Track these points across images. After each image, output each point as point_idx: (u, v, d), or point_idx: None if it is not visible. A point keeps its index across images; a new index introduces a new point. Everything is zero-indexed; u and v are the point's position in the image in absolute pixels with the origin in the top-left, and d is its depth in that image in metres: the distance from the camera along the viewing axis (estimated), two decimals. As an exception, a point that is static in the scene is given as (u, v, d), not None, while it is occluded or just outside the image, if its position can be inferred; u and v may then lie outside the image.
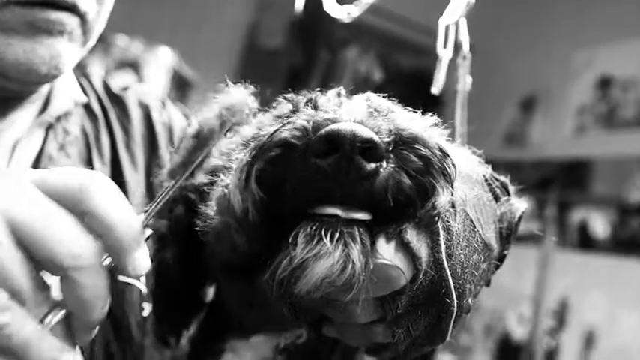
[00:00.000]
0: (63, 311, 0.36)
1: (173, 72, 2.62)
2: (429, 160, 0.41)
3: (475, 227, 0.46)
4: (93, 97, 0.75)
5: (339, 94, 0.50)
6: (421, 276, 0.41)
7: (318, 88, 0.51)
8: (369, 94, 0.50)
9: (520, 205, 0.53)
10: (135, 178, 0.72)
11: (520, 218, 0.53)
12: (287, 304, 0.41)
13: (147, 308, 0.65)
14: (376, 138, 0.39)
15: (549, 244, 2.77)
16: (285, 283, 0.39)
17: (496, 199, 0.52)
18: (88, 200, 0.37)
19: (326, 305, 0.42)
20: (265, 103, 0.57)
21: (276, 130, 0.41)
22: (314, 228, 0.39)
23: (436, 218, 0.41)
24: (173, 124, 0.80)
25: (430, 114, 0.47)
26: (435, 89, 0.67)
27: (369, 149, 0.39)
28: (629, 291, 2.39)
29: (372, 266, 0.39)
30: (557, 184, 2.89)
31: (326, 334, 0.47)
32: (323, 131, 0.39)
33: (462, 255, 0.44)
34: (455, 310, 0.43)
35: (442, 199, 0.40)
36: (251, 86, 0.53)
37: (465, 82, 0.67)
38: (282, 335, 0.53)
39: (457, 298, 0.43)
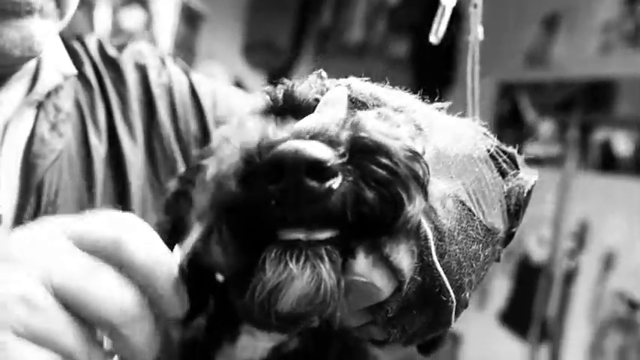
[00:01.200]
0: (114, 358, 0.37)
1: (182, 6, 2.55)
2: (391, 168, 0.38)
3: (474, 216, 0.45)
4: (87, 63, 0.72)
5: (320, 77, 0.48)
6: (406, 286, 0.40)
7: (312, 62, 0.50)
8: (352, 79, 0.48)
9: (530, 177, 0.51)
10: (133, 150, 0.70)
11: (530, 192, 0.50)
12: (273, 323, 0.41)
13: None
14: (323, 156, 0.37)
15: (571, 167, 2.75)
16: (265, 305, 0.39)
17: (503, 174, 0.50)
18: (123, 252, 0.37)
19: (312, 317, 0.42)
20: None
21: (230, 154, 0.40)
22: (279, 253, 0.38)
23: (414, 226, 0.39)
24: (173, 84, 0.77)
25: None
26: (434, 38, 0.63)
27: (318, 169, 0.37)
28: (650, 213, 2.39)
29: (344, 283, 0.38)
30: (580, 105, 2.82)
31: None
32: (268, 155, 0.38)
33: (457, 250, 0.42)
34: (453, 305, 0.42)
35: (414, 209, 0.39)
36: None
37: (477, 32, 0.63)
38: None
39: (454, 293, 0.42)
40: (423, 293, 0.41)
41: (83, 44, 0.74)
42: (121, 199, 0.68)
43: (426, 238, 0.40)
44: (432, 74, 2.92)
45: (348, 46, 3.21)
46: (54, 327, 0.35)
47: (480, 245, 0.45)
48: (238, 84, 2.89)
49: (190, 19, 2.61)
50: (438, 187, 0.42)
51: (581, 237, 2.69)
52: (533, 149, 2.90)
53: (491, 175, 0.48)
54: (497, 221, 0.47)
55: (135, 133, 0.71)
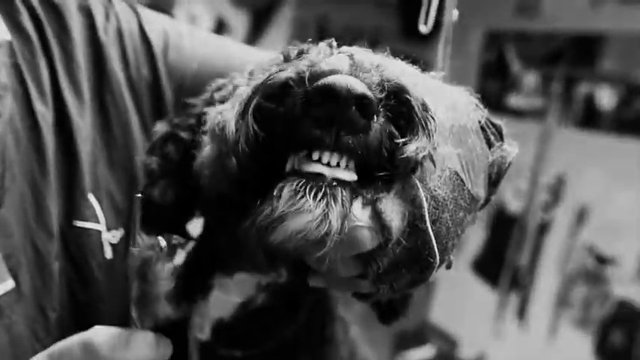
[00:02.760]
0: None
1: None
2: (414, 114, 0.42)
3: (464, 185, 0.47)
4: (24, 12, 0.64)
5: (330, 46, 0.50)
6: (393, 245, 0.42)
7: (310, 40, 0.51)
8: (355, 48, 0.49)
9: (512, 149, 0.54)
10: (80, 111, 0.65)
11: (510, 163, 0.54)
12: (262, 251, 0.43)
13: (109, 251, 0.65)
14: (370, 94, 0.40)
15: (552, 120, 2.76)
16: (262, 232, 0.41)
17: (489, 145, 0.53)
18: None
19: (300, 257, 0.45)
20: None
21: (279, 70, 0.43)
22: (299, 184, 0.40)
23: (410, 167, 0.42)
24: (122, 26, 0.71)
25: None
26: (424, 28, 0.62)
27: (362, 104, 0.40)
28: (627, 170, 2.42)
29: (345, 232, 0.41)
30: (566, 58, 2.80)
31: (312, 284, 0.50)
32: (320, 82, 0.40)
33: (447, 217, 0.45)
34: (437, 265, 0.45)
35: (413, 146, 0.42)
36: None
37: (451, 15, 0.63)
38: (263, 275, 0.56)
39: (440, 255, 0.45)
40: (414, 254, 0.44)
41: None
42: (72, 168, 0.64)
43: (420, 206, 0.43)
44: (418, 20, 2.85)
45: (335, -15, 3.12)
46: None
47: (466, 212, 0.48)
48: (221, 24, 2.81)
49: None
50: (442, 153, 0.45)
51: (556, 190, 2.73)
52: (516, 101, 2.90)
53: (480, 146, 0.51)
54: (481, 190, 0.50)
55: (81, 91, 0.66)
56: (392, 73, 0.43)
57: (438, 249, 0.44)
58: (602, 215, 2.52)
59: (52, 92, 0.64)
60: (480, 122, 0.52)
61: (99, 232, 0.64)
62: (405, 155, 0.41)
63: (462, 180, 0.47)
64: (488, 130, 0.53)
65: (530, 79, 2.91)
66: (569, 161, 2.68)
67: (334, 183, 0.41)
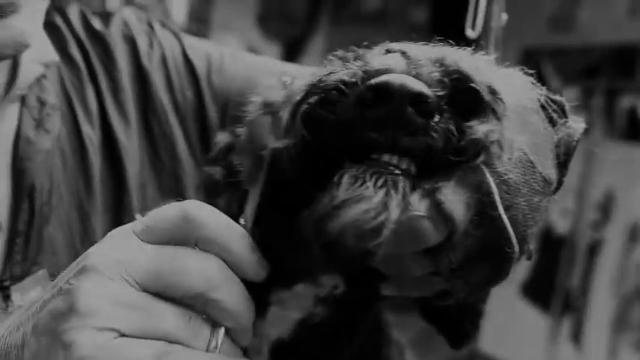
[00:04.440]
0: (221, 329, 0.40)
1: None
2: (476, 100, 0.40)
3: (535, 167, 0.44)
4: (71, 41, 0.68)
5: (387, 51, 0.47)
6: (460, 237, 0.39)
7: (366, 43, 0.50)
8: (405, 44, 0.47)
9: (577, 125, 0.51)
10: (127, 134, 0.67)
11: (578, 140, 0.51)
12: (320, 246, 0.41)
13: None
14: (427, 91, 0.38)
15: (596, 135, 2.68)
16: (319, 222, 0.39)
17: (552, 123, 0.50)
18: (194, 227, 0.39)
19: (363, 257, 0.41)
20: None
21: (330, 72, 0.42)
22: (360, 170, 0.39)
23: (477, 152, 0.40)
24: (165, 52, 0.73)
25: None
26: (471, 32, 0.61)
27: (420, 103, 0.38)
28: (679, 183, 2.33)
29: (403, 220, 0.38)
30: (606, 71, 2.74)
31: (384, 293, 0.47)
32: (373, 81, 0.39)
33: (522, 203, 0.42)
34: (515, 256, 0.42)
35: (483, 128, 0.39)
36: None
37: (500, 19, 0.61)
38: (321, 285, 0.53)
39: (518, 245, 0.41)
40: (489, 245, 0.41)
41: (66, 19, 0.69)
42: (119, 189, 0.65)
43: (488, 192, 0.40)
44: (453, 40, 2.85)
45: (365, 13, 3.15)
46: (152, 317, 0.37)
47: (541, 196, 0.45)
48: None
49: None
50: (510, 136, 0.42)
51: (606, 208, 2.64)
52: (557, 118, 2.84)
53: (543, 126, 0.48)
54: (552, 172, 0.47)
55: (128, 115, 0.68)
56: (451, 64, 0.41)
57: (516, 237, 0.41)
58: (657, 231, 2.42)
59: (99, 116, 0.66)
60: (539, 100, 0.49)
61: None
62: (474, 139, 0.39)
63: (531, 162, 0.44)
64: (549, 108, 0.50)
65: (570, 94, 2.85)
66: (617, 176, 2.60)
67: (396, 171, 0.39)
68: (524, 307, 2.96)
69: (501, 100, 0.40)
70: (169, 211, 0.40)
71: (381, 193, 0.38)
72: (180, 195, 0.69)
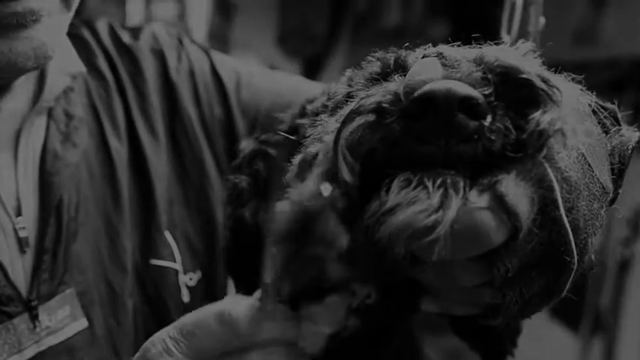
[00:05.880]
0: None
1: (215, -5, 2.52)
2: (530, 91, 0.38)
3: (593, 171, 0.41)
4: (99, 54, 0.67)
5: (427, 55, 0.46)
6: (524, 236, 0.36)
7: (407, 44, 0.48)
8: (441, 46, 0.45)
9: (631, 134, 0.49)
10: (154, 149, 0.66)
11: (633, 149, 0.48)
12: (370, 254, 0.38)
13: (186, 294, 0.64)
14: (474, 92, 0.36)
15: (623, 150, 2.63)
16: (370, 229, 0.37)
17: (605, 131, 0.48)
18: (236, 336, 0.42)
19: (413, 265, 0.39)
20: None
21: (368, 94, 0.39)
22: (411, 175, 0.36)
23: (541, 142, 0.37)
24: (194, 66, 0.72)
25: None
26: (506, 37, 0.58)
27: (469, 106, 0.36)
28: None
29: (463, 217, 0.35)
30: (632, 84, 2.69)
31: (424, 308, 0.45)
32: (416, 93, 0.36)
33: (584, 206, 0.39)
34: (575, 268, 0.39)
35: (546, 117, 0.37)
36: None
37: (537, 22, 0.58)
38: (355, 294, 0.49)
39: (578, 255, 0.39)
40: (547, 252, 0.38)
41: (94, 32, 0.69)
42: (147, 205, 0.64)
43: (551, 189, 0.37)
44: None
45: (385, 30, 3.15)
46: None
47: (601, 204, 0.42)
48: (273, 73, 2.86)
49: (224, 9, 2.58)
50: (568, 129, 0.39)
51: (636, 224, 2.57)
52: (582, 132, 2.79)
53: (597, 131, 0.46)
54: (608, 179, 0.44)
55: (156, 130, 0.67)
56: (492, 59, 0.38)
57: (575, 244, 0.38)
58: (691, 247, 2.35)
59: (126, 130, 0.65)
60: (590, 106, 0.47)
61: (176, 272, 0.64)
62: (538, 130, 0.36)
63: (589, 165, 0.41)
64: (600, 114, 0.48)
65: (595, 108, 2.80)
66: (647, 192, 2.53)
67: (452, 172, 0.36)
68: (553, 327, 2.88)
69: (556, 87, 0.38)
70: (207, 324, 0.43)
71: (439, 193, 0.35)
72: (207, 212, 0.68)
